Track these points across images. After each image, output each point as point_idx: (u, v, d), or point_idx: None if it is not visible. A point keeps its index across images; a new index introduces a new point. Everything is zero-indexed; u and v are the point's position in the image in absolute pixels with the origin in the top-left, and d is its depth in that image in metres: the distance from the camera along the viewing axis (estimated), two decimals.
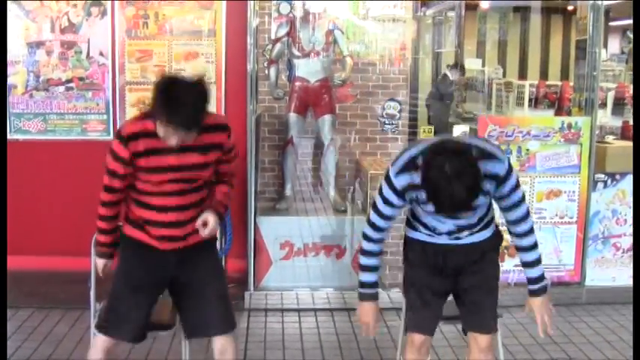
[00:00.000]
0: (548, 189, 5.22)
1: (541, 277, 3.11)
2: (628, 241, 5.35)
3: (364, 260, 3.12)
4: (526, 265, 3.12)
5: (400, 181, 2.88)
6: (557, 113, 5.89)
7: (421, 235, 3.16)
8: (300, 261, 5.22)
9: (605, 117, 6.23)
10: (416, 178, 2.78)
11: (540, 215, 5.22)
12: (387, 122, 5.46)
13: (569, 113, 5.61)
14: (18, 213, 5.40)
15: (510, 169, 2.88)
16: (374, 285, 3.14)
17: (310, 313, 5.05)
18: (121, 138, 2.93)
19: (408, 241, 3.28)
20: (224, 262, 5.42)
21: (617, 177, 5.29)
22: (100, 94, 5.64)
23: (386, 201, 2.95)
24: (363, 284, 3.15)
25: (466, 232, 3.09)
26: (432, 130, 5.31)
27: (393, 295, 5.04)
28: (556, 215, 5.25)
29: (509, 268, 5.13)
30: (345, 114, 6.02)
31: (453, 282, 3.22)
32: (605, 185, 5.30)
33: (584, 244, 5.29)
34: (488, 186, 2.83)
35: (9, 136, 5.54)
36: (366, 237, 3.08)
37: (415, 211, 3.12)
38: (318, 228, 5.24)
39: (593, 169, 5.22)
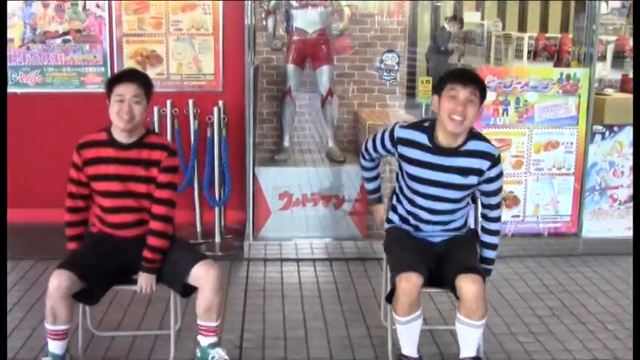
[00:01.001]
0: (546, 140, 5.21)
1: (492, 261, 3.48)
2: (625, 193, 5.38)
3: (364, 173, 3.80)
4: (485, 245, 3.46)
5: (400, 132, 3.31)
6: (557, 65, 5.86)
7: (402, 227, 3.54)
8: (299, 211, 5.23)
9: (604, 70, 6.21)
10: (417, 135, 3.24)
11: (538, 166, 5.24)
12: (385, 74, 5.43)
13: (568, 66, 5.58)
14: (17, 166, 5.43)
15: (499, 156, 3.28)
16: (376, 190, 3.83)
17: (309, 263, 5.09)
18: (77, 146, 3.34)
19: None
20: (223, 212, 5.49)
21: (615, 129, 5.29)
22: (98, 46, 5.62)
23: (382, 141, 3.43)
24: (368, 192, 3.87)
25: (439, 228, 3.43)
26: (430, 81, 5.28)
27: None
28: (554, 166, 5.26)
29: (507, 219, 5.17)
30: (342, 65, 6.02)
31: (434, 255, 3.41)
32: (603, 137, 5.30)
33: (582, 195, 5.30)
34: (475, 180, 3.25)
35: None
36: (362, 156, 3.69)
37: (400, 186, 3.45)
38: (317, 178, 5.24)
39: (591, 121, 5.21)
